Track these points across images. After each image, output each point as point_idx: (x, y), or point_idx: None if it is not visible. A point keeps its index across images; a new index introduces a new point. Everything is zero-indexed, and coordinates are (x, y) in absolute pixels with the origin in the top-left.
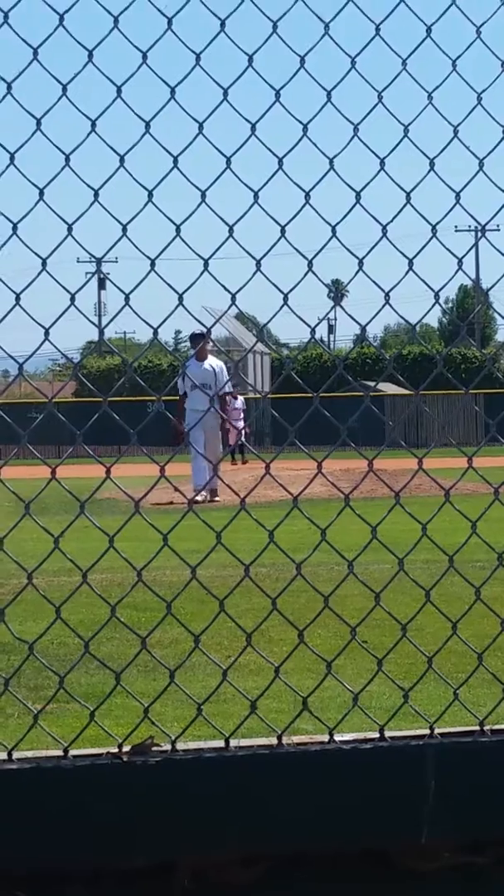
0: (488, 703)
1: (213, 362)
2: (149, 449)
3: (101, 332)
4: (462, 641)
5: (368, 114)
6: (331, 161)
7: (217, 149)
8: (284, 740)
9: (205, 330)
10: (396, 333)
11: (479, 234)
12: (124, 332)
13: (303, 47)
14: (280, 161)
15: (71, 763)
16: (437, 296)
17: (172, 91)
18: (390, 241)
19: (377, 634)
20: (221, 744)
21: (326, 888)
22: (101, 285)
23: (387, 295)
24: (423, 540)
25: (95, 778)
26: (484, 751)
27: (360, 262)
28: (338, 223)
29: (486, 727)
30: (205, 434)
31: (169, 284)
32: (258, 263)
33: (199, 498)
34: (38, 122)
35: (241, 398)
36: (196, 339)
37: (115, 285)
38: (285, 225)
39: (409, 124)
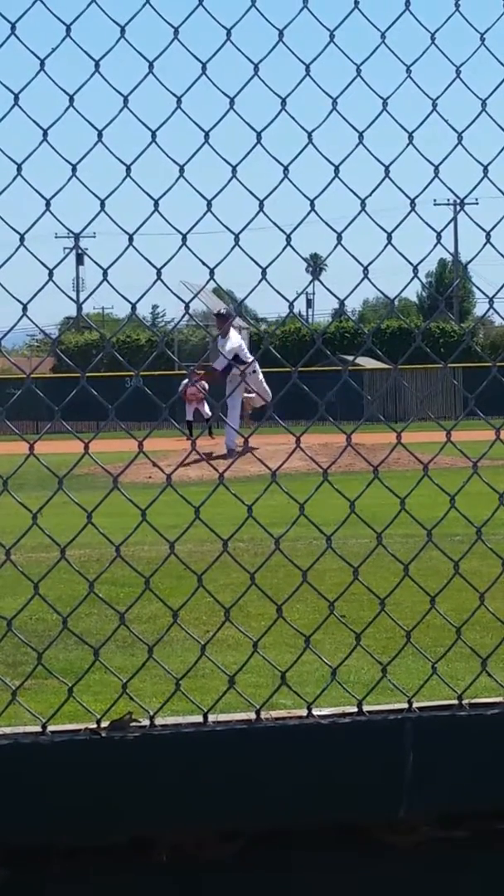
0: (466, 676)
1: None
2: (127, 424)
3: (80, 308)
4: (440, 615)
5: (346, 87)
6: (309, 134)
7: (195, 122)
8: (263, 715)
9: (224, 310)
10: (375, 308)
11: (458, 208)
12: (102, 308)
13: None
14: (258, 135)
15: (49, 739)
16: (415, 270)
17: (151, 66)
18: (369, 215)
19: (355, 609)
20: (200, 719)
21: (304, 863)
22: (80, 261)
23: (365, 269)
24: (401, 514)
25: (74, 754)
26: (462, 724)
27: (339, 236)
28: (316, 197)
29: (465, 701)
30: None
31: (147, 259)
32: (236, 238)
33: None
34: (16, 97)
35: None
36: (220, 318)
37: (93, 261)
38: (264, 199)
39: (388, 98)
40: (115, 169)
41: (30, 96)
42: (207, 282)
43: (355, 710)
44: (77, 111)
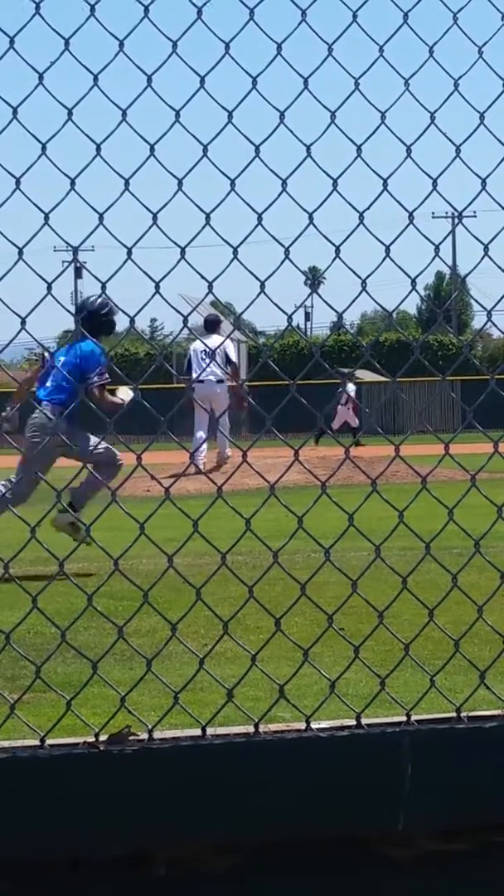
0: (465, 689)
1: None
2: (125, 438)
3: (78, 322)
4: (439, 628)
5: (345, 101)
6: (308, 148)
7: (193, 136)
8: (261, 728)
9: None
10: (373, 320)
11: (456, 221)
12: None
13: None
14: (257, 148)
15: (48, 752)
16: (413, 282)
17: (149, 80)
18: (367, 228)
19: (354, 622)
20: (198, 732)
21: (303, 876)
22: (78, 274)
23: (364, 282)
24: (399, 527)
25: (72, 767)
26: (460, 737)
27: (337, 249)
28: (314, 210)
29: (463, 714)
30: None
31: (146, 273)
32: (235, 251)
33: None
34: (15, 111)
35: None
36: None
37: (91, 274)
38: (262, 213)
39: (386, 111)
40: (113, 182)
41: (28, 110)
42: (206, 295)
43: (354, 723)
44: (75, 125)
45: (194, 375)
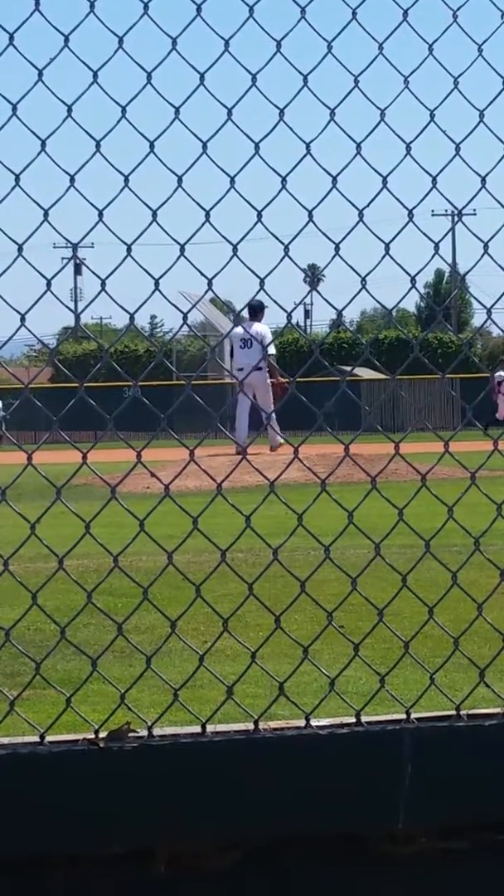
0: (465, 687)
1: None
2: (125, 434)
3: (77, 318)
4: (439, 626)
5: (345, 98)
6: (307, 145)
7: (193, 133)
8: (261, 725)
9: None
10: (373, 318)
11: (456, 219)
12: (101, 318)
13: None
14: (256, 145)
15: (47, 749)
16: (413, 280)
17: (149, 76)
18: (367, 226)
19: (354, 619)
20: (198, 729)
21: (303, 874)
22: (78, 271)
23: (363, 279)
24: (399, 524)
25: (72, 764)
26: (460, 735)
27: (337, 247)
28: (314, 207)
29: (463, 712)
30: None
31: (145, 270)
32: (234, 248)
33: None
34: (14, 108)
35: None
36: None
37: (91, 271)
38: (262, 210)
39: (386, 108)
40: (113, 179)
41: (28, 107)
42: (206, 292)
43: (353, 720)
44: (75, 121)
45: (234, 361)
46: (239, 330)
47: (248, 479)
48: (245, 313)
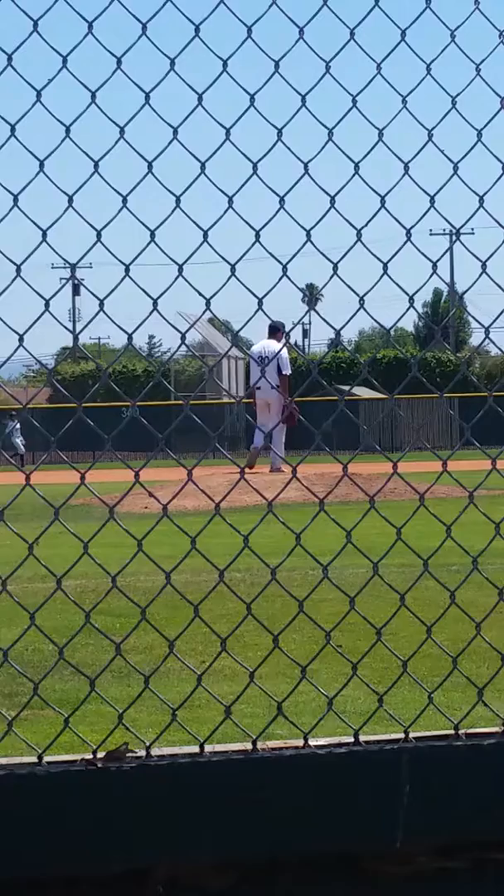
0: (463, 706)
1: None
2: (123, 455)
3: (76, 338)
4: (437, 645)
5: (343, 118)
6: (305, 165)
7: (191, 153)
8: (259, 745)
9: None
10: (371, 337)
11: (454, 238)
12: (99, 338)
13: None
14: (255, 165)
15: (45, 770)
16: (411, 300)
17: (147, 96)
18: (364, 245)
19: (352, 639)
20: (196, 749)
21: (301, 893)
22: (76, 291)
23: (361, 299)
24: (397, 544)
25: (70, 785)
26: (459, 755)
27: (335, 267)
28: (312, 227)
29: (461, 731)
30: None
31: (143, 290)
32: (233, 268)
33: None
34: (13, 128)
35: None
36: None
37: (89, 291)
38: (260, 229)
39: (384, 128)
40: (111, 199)
41: (26, 127)
42: (203, 312)
43: (351, 740)
44: (73, 142)
45: (252, 379)
46: (257, 349)
47: (247, 498)
48: (265, 333)
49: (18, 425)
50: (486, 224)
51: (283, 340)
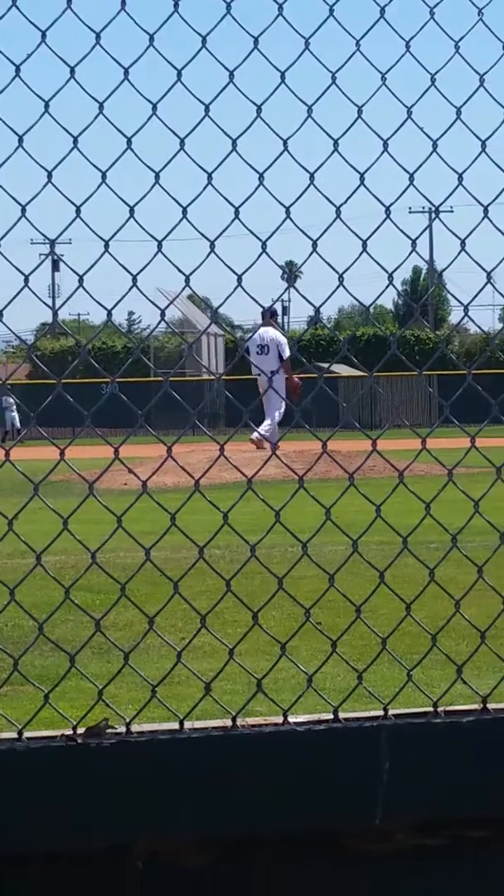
0: (442, 684)
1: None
2: (103, 431)
3: (55, 314)
4: (416, 622)
5: (322, 95)
6: (284, 142)
7: (171, 130)
8: (239, 722)
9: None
10: (351, 315)
11: (433, 216)
12: (78, 314)
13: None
14: (234, 142)
15: (25, 745)
16: (391, 277)
17: (126, 72)
18: (344, 223)
19: (331, 616)
20: (176, 726)
21: (280, 870)
22: (55, 267)
23: (341, 276)
24: (377, 521)
25: (50, 760)
26: (438, 732)
27: (314, 244)
28: (291, 204)
29: (440, 708)
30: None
31: (123, 266)
32: (212, 245)
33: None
34: None
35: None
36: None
37: (69, 267)
38: (239, 206)
39: (363, 105)
40: (90, 175)
41: (4, 102)
42: (183, 289)
43: (331, 717)
44: (52, 117)
45: (253, 366)
46: (256, 338)
47: (226, 475)
48: (258, 319)
49: (13, 401)
50: (465, 202)
51: (277, 327)
